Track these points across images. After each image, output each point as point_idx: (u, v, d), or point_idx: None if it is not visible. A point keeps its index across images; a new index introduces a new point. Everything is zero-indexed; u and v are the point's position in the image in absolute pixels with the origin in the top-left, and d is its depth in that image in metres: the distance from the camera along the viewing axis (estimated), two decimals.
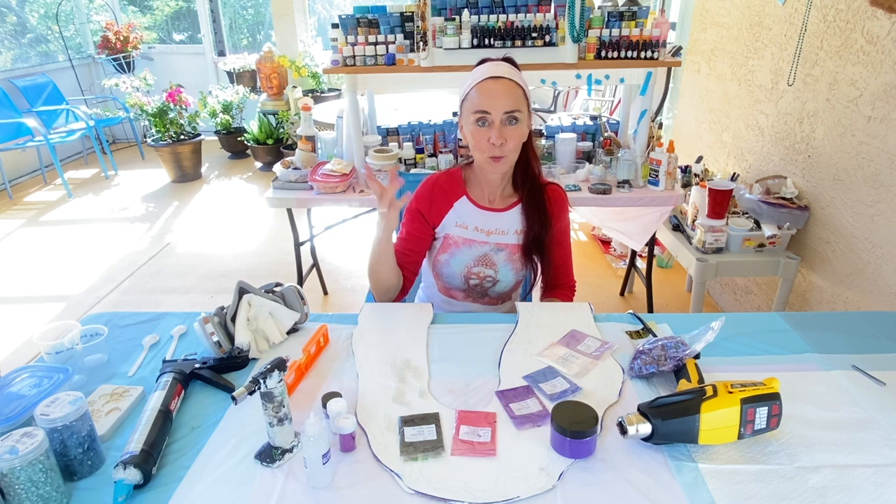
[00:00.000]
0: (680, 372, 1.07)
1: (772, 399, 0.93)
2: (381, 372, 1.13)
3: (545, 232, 1.43)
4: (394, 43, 2.28)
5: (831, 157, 2.08)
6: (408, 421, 0.99)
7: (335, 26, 2.28)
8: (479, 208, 1.43)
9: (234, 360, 1.16)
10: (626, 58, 2.26)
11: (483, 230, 1.43)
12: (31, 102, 4.86)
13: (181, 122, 4.79)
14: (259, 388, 0.90)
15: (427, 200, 1.44)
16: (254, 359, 1.20)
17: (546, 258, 1.47)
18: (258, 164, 5.32)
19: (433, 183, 1.46)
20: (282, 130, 5.04)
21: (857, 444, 0.95)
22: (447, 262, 1.46)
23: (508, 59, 1.36)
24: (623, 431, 0.93)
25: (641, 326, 1.28)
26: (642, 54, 2.25)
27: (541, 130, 2.71)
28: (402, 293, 1.49)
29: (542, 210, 1.43)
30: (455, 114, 3.17)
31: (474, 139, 1.31)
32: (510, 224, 1.44)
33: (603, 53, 2.26)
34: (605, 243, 3.52)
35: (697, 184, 2.38)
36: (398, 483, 0.88)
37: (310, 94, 5.30)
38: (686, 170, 2.63)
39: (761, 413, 0.92)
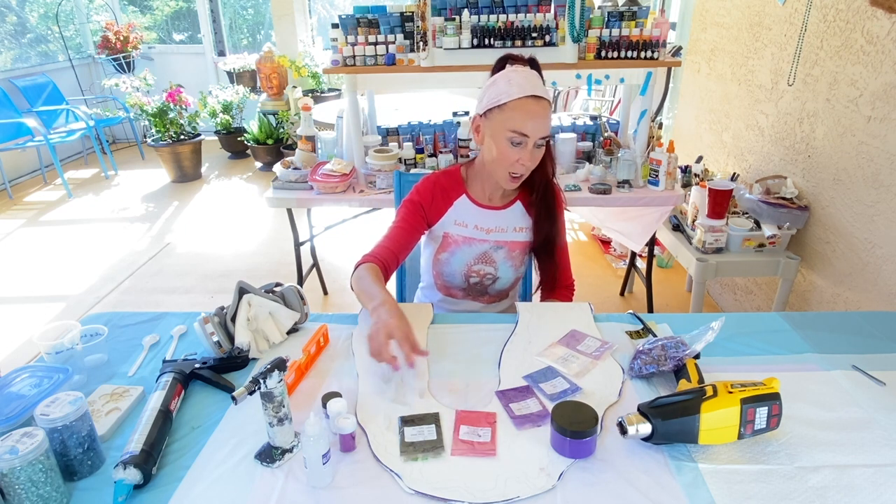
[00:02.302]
0: (680, 372, 1.07)
1: (772, 399, 0.93)
2: (381, 372, 1.13)
3: (554, 230, 1.44)
4: (394, 43, 2.28)
5: (831, 157, 2.08)
6: (408, 421, 0.99)
7: (335, 26, 2.28)
8: (478, 206, 1.44)
9: (234, 360, 1.16)
10: (626, 58, 2.26)
11: (483, 228, 1.44)
12: (31, 102, 4.86)
13: (181, 122, 4.79)
14: (259, 388, 0.90)
15: (429, 196, 1.43)
16: (254, 359, 1.20)
17: (549, 259, 1.48)
18: (258, 164, 5.32)
19: (434, 181, 1.45)
20: (282, 130, 5.04)
21: (857, 444, 0.95)
22: (447, 261, 1.46)
23: (532, 61, 1.31)
24: (623, 431, 0.93)
25: (641, 326, 1.28)
26: (642, 54, 2.25)
27: None
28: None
29: (551, 209, 1.43)
30: (455, 114, 3.16)
31: (502, 155, 1.28)
32: (509, 221, 1.45)
33: (603, 53, 2.26)
34: (605, 243, 3.52)
35: (697, 184, 2.38)
36: (398, 483, 0.88)
37: (310, 94, 5.30)
38: (686, 170, 2.63)
39: (761, 413, 0.92)
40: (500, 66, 1.33)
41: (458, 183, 1.45)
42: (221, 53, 6.08)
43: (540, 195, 1.42)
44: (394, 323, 1.08)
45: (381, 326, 1.08)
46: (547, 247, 1.46)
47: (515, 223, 1.45)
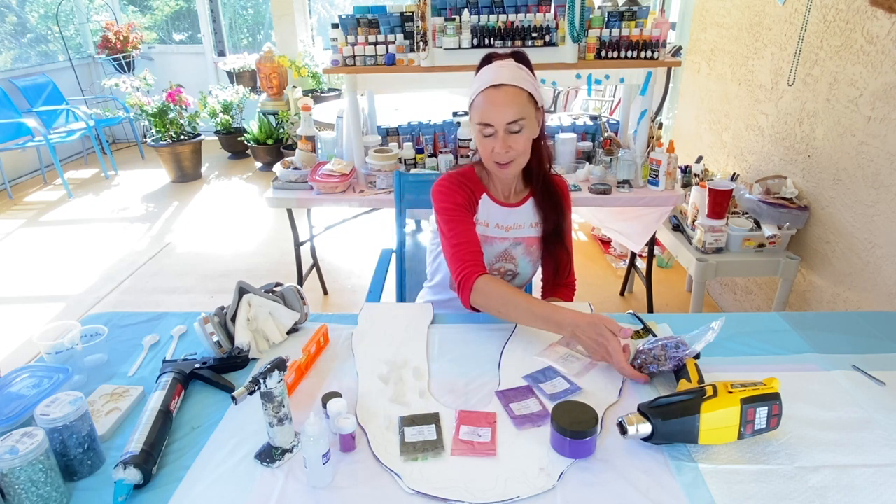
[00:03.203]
0: (680, 372, 1.07)
1: (772, 399, 0.93)
2: (380, 372, 1.13)
3: (562, 220, 1.46)
4: (394, 43, 2.28)
5: (831, 157, 2.08)
6: (408, 421, 0.99)
7: (335, 26, 2.28)
8: (498, 205, 1.44)
9: (234, 360, 1.16)
10: (626, 58, 2.26)
11: (503, 226, 1.44)
12: (31, 102, 4.86)
13: (181, 122, 4.79)
14: (259, 388, 0.90)
15: (464, 195, 1.39)
16: (254, 359, 1.20)
17: (560, 250, 1.49)
18: (258, 164, 5.32)
19: (458, 182, 1.41)
20: (282, 130, 5.04)
21: (857, 444, 0.95)
22: None
23: (517, 55, 1.33)
24: (623, 431, 0.93)
25: (641, 326, 1.28)
26: (642, 54, 2.25)
27: None
28: None
29: (555, 199, 1.45)
30: (455, 114, 3.17)
31: (481, 147, 1.32)
32: (526, 217, 1.46)
33: (603, 53, 2.26)
34: (605, 243, 3.52)
35: (697, 184, 2.38)
36: (398, 483, 0.88)
37: (310, 94, 5.30)
38: (686, 170, 2.63)
39: (761, 413, 0.92)
40: (484, 65, 1.35)
41: (477, 183, 1.45)
42: (221, 53, 6.08)
43: (539, 185, 1.44)
44: (610, 335, 1.10)
45: (606, 335, 1.09)
46: (556, 237, 1.47)
47: (531, 219, 1.46)
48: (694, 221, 2.34)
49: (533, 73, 1.33)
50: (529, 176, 1.44)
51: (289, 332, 1.27)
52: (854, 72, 1.95)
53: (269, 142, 5.05)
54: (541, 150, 1.39)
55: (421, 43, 2.21)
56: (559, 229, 1.46)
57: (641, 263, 2.79)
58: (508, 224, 1.44)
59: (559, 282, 1.54)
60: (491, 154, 1.30)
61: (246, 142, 5.15)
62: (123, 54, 5.66)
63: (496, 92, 1.26)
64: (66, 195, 4.65)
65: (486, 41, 2.20)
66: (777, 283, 2.30)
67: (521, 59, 1.33)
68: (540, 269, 1.56)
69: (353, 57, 2.27)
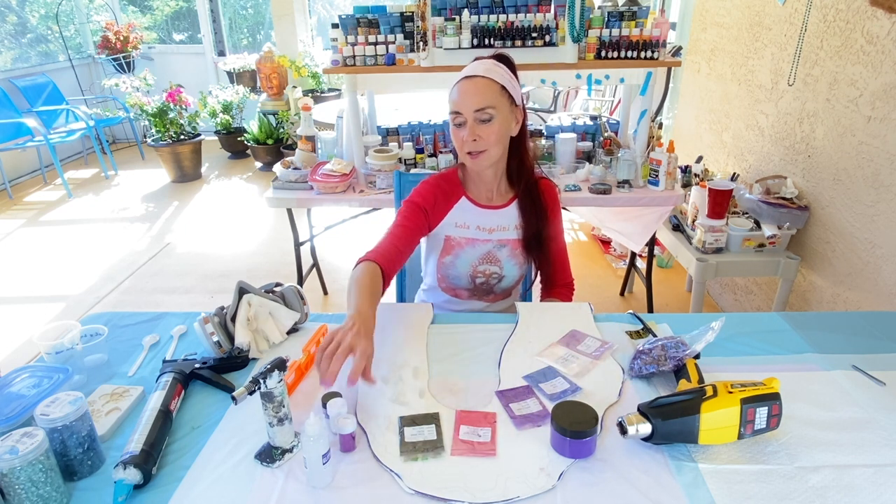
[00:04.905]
0: (680, 372, 1.07)
1: (772, 399, 0.93)
2: (380, 372, 1.13)
3: (543, 225, 1.44)
4: (394, 43, 2.28)
5: (831, 157, 2.08)
6: (408, 421, 0.99)
7: (335, 26, 2.28)
8: (478, 207, 1.44)
9: (234, 360, 1.16)
10: (626, 58, 2.26)
11: (484, 228, 1.44)
12: (31, 102, 4.86)
13: (181, 122, 4.79)
14: (259, 388, 0.90)
15: (431, 198, 1.43)
16: (254, 359, 1.20)
17: (544, 254, 1.48)
18: (258, 164, 5.32)
19: (435, 184, 1.45)
20: (282, 130, 5.04)
21: (857, 444, 0.95)
22: (452, 264, 1.46)
23: (500, 56, 1.35)
24: (623, 431, 0.93)
25: (641, 326, 1.28)
26: (642, 54, 2.25)
27: (541, 130, 2.71)
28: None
29: (538, 204, 1.44)
30: None
31: (453, 138, 1.35)
32: (510, 220, 1.45)
33: (603, 53, 2.26)
34: (605, 243, 3.52)
35: (697, 184, 2.38)
36: (398, 483, 0.88)
37: (310, 94, 5.30)
38: (686, 170, 2.63)
39: (761, 413, 0.92)
40: None
41: (457, 185, 1.45)
42: (221, 53, 6.08)
43: (522, 188, 1.43)
44: (355, 341, 1.01)
45: (339, 337, 1.01)
46: (537, 242, 1.46)
47: (516, 221, 1.45)
48: (694, 221, 2.34)
49: (514, 73, 1.35)
50: (512, 177, 1.43)
51: (289, 332, 1.27)
52: (854, 72, 1.95)
53: (269, 142, 5.06)
54: (522, 151, 1.40)
55: (421, 43, 2.22)
56: (540, 235, 1.45)
57: (641, 263, 2.79)
58: (491, 226, 1.44)
59: (556, 282, 1.54)
60: (462, 143, 1.32)
61: (246, 142, 5.15)
62: (123, 54, 5.66)
63: (467, 82, 1.30)
64: (66, 195, 4.65)
65: (486, 41, 2.20)
66: (777, 283, 2.30)
67: (503, 60, 1.35)
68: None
69: (353, 57, 2.27)
